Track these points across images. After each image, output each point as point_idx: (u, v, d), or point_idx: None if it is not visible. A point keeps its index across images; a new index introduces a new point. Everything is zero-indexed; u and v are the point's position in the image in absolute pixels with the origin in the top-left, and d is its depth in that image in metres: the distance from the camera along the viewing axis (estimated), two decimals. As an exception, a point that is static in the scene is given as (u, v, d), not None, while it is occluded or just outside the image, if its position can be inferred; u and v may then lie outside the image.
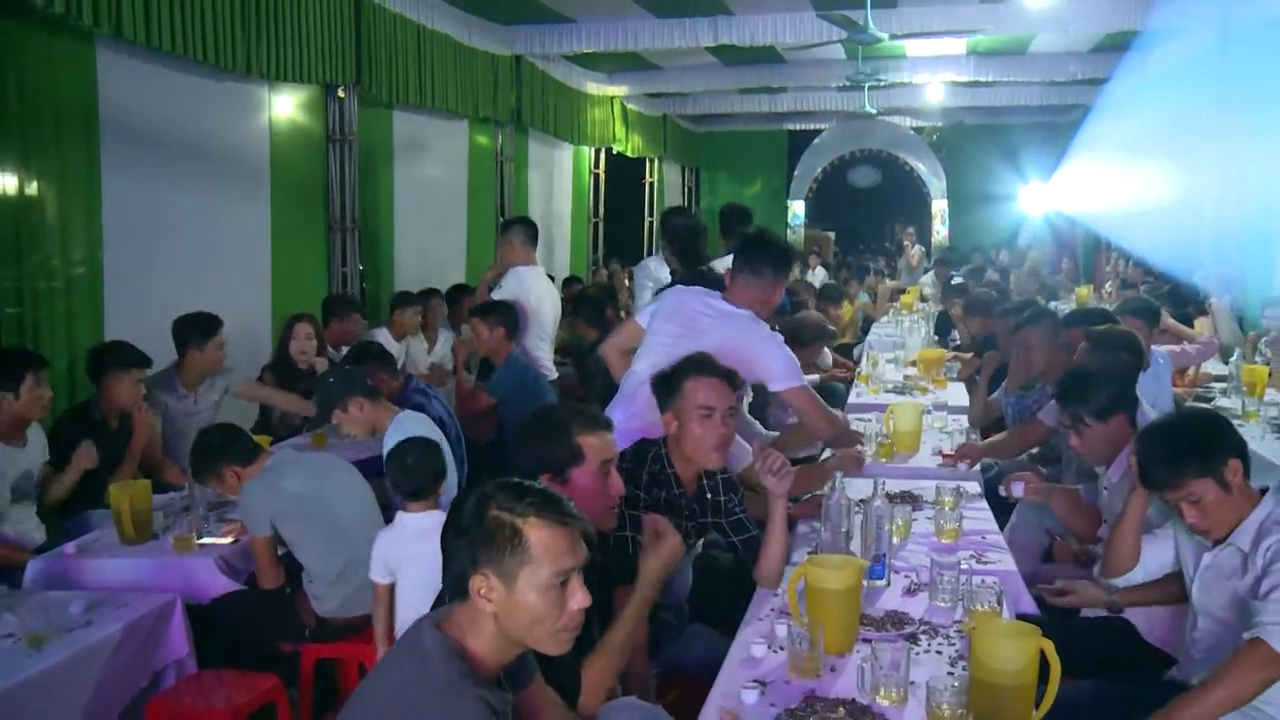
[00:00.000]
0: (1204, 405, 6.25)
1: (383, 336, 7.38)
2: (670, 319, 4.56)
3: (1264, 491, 3.09)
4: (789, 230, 18.69)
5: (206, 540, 4.38)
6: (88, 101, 5.88)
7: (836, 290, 9.68)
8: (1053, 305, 9.48)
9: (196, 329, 5.76)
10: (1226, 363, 7.45)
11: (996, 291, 9.49)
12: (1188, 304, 7.53)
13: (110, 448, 5.17)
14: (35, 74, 5.50)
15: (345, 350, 6.55)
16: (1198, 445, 3.07)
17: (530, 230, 7.44)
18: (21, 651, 3.30)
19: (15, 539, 4.64)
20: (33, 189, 5.57)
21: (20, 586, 4.05)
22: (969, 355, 8.06)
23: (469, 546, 2.14)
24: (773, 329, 4.66)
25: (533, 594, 2.13)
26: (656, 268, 7.07)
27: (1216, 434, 3.11)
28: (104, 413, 5.21)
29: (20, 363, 4.72)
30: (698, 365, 3.61)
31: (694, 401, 3.52)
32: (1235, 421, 5.93)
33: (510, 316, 6.54)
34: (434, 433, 4.88)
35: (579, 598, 2.17)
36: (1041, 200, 16.72)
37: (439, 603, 2.41)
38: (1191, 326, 7.71)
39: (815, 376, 7.74)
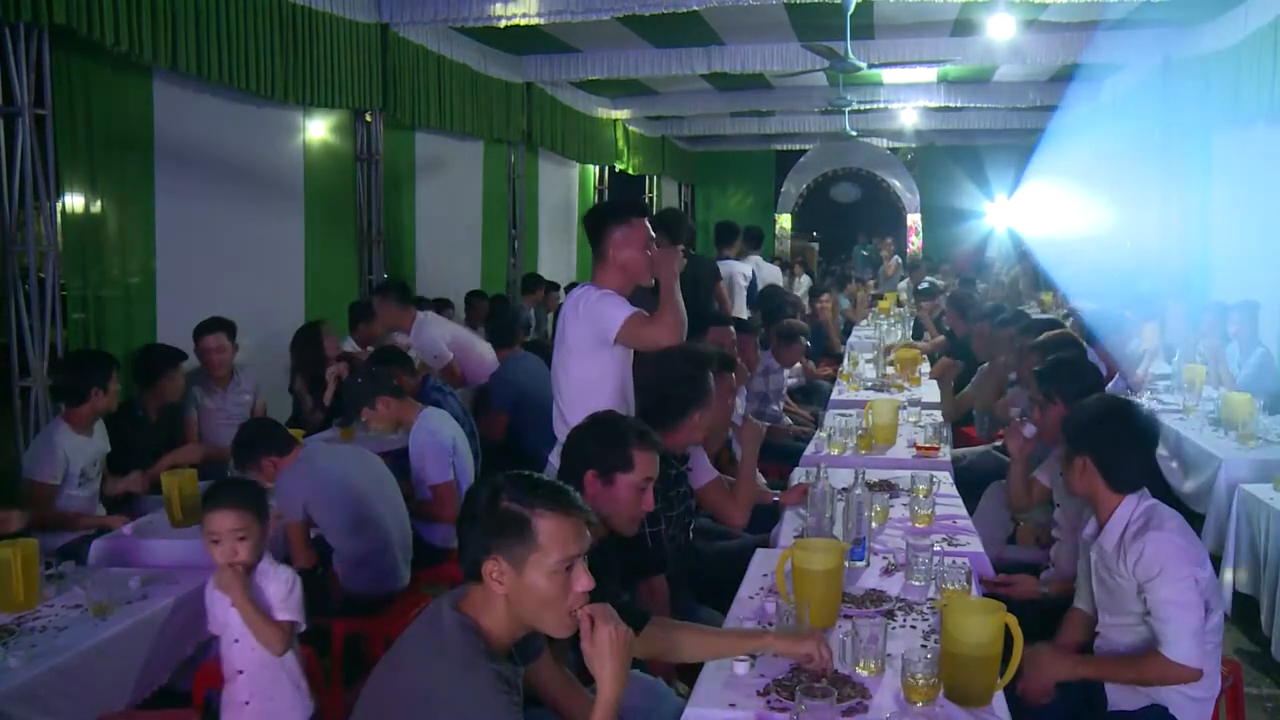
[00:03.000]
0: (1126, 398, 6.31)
1: (402, 339, 7.42)
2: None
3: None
4: (776, 241, 18.71)
5: (247, 524, 4.43)
6: (145, 128, 5.95)
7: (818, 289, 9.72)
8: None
9: (200, 331, 5.78)
10: (1169, 363, 7.52)
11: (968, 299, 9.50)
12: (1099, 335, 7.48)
13: (152, 441, 5.26)
14: (101, 104, 5.58)
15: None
16: (1069, 430, 3.24)
17: (403, 293, 7.12)
18: (89, 620, 3.37)
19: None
20: (96, 207, 5.65)
21: (86, 563, 4.10)
22: (945, 359, 8.12)
23: (482, 534, 2.16)
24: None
25: (540, 578, 2.15)
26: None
27: (1083, 427, 3.19)
28: (146, 408, 5.28)
29: (110, 362, 4.82)
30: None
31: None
32: (1176, 415, 6.03)
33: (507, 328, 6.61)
34: (455, 428, 4.96)
35: (583, 582, 2.18)
36: (1004, 216, 16.81)
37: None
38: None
39: (796, 366, 7.78)
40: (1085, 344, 5.87)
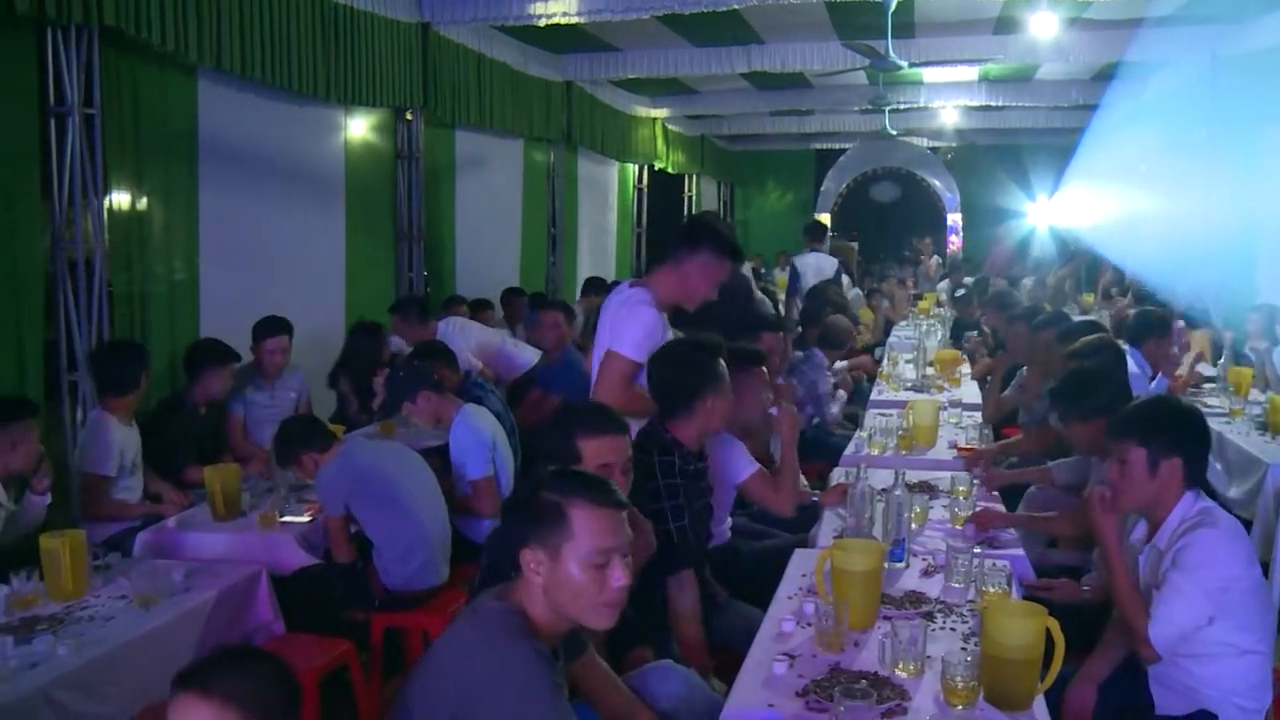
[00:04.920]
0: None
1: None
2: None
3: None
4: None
5: (288, 518, 4.45)
6: (189, 126, 6.02)
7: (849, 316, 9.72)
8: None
9: (258, 330, 5.83)
10: (1215, 364, 7.43)
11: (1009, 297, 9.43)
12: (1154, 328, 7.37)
13: (199, 433, 5.32)
14: (148, 103, 5.66)
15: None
16: (1162, 423, 3.09)
17: (421, 309, 7.12)
18: (134, 611, 3.41)
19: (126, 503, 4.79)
20: (142, 204, 5.72)
21: (131, 555, 4.16)
22: (985, 360, 8.08)
23: (521, 523, 2.21)
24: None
25: (575, 568, 2.18)
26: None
27: (1182, 425, 3.11)
28: (195, 402, 5.32)
29: (146, 352, 4.91)
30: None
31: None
32: (1222, 419, 5.95)
33: (573, 318, 6.59)
34: (495, 424, 4.97)
35: (618, 575, 2.20)
36: (1046, 215, 16.64)
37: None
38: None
39: (842, 364, 7.76)
40: (1129, 345, 5.81)
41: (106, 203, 5.37)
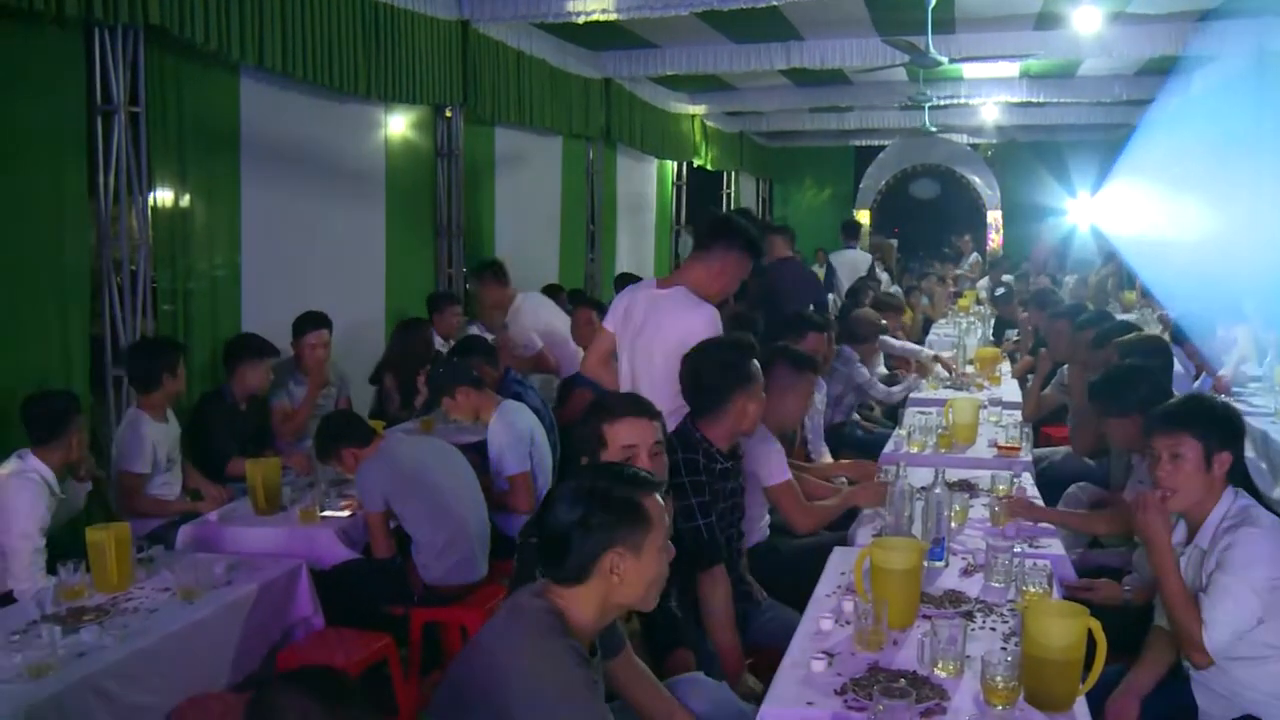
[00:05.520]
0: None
1: (479, 330, 7.49)
2: (623, 320, 4.30)
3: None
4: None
5: (328, 513, 4.50)
6: (232, 124, 6.08)
7: (896, 300, 9.64)
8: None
9: (300, 326, 5.90)
10: (1260, 365, 7.32)
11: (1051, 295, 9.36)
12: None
13: (239, 428, 5.37)
14: (191, 101, 5.72)
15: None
16: (1216, 417, 3.07)
17: (499, 272, 7.29)
18: (177, 603, 3.46)
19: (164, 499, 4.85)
20: (185, 201, 5.78)
21: (173, 548, 4.22)
22: (1026, 358, 8.03)
23: (601, 529, 2.20)
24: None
25: (653, 557, 2.25)
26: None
27: (1232, 421, 3.09)
28: (235, 397, 5.38)
29: (175, 349, 4.95)
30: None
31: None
32: (1267, 418, 5.88)
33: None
34: (533, 420, 4.99)
35: (670, 552, 2.30)
36: (1087, 214, 16.46)
37: None
38: None
39: (882, 370, 7.73)
40: (1173, 344, 5.74)
41: (151, 200, 5.43)
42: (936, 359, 7.74)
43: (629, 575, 2.22)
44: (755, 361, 3.73)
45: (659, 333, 4.10)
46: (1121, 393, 3.99)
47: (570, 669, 2.11)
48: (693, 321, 4.03)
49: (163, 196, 5.64)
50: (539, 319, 7.14)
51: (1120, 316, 7.38)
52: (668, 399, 3.95)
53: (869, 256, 12.56)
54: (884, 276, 14.11)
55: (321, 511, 4.48)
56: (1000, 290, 10.99)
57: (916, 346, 8.11)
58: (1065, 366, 6.22)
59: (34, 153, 4.80)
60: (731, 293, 4.23)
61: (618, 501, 2.22)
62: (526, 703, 2.09)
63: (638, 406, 3.11)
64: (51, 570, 3.68)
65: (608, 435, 3.02)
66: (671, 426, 3.99)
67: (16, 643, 3.01)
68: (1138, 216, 12.79)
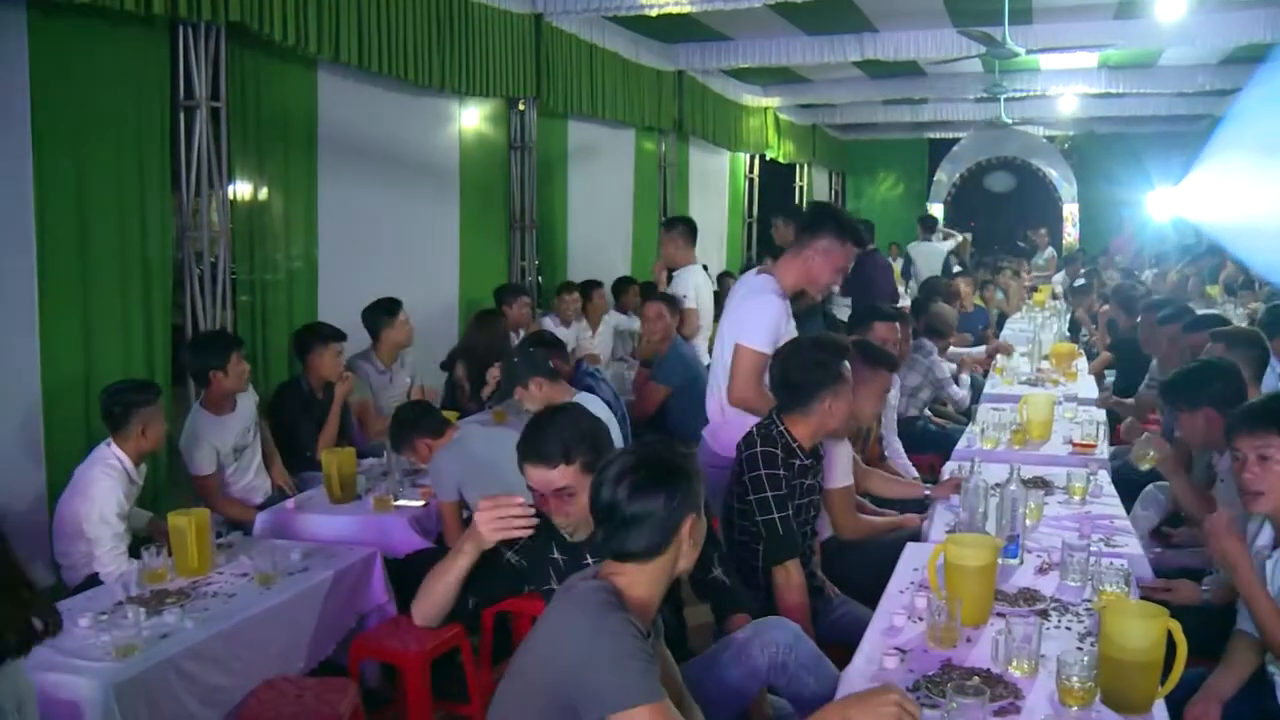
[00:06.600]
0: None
1: (550, 322, 7.53)
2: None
3: None
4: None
5: (402, 502, 4.53)
6: (309, 117, 6.17)
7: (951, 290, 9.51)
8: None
9: (382, 310, 5.94)
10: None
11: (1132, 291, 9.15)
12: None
13: (317, 416, 5.42)
14: (270, 96, 5.82)
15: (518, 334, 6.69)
16: None
17: (691, 229, 7.38)
18: (255, 588, 3.53)
19: (241, 498, 4.90)
20: (263, 194, 5.89)
21: (251, 535, 4.31)
22: (1104, 354, 7.97)
23: (682, 499, 2.25)
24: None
25: (704, 518, 2.34)
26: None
27: None
28: (311, 385, 5.44)
29: (226, 343, 4.93)
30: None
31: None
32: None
33: (677, 309, 6.63)
34: (606, 413, 5.00)
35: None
36: (1168, 207, 16.06)
37: None
38: None
39: (952, 366, 7.65)
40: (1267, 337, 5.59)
41: (230, 193, 5.53)
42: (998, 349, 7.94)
43: (695, 534, 2.30)
44: (846, 363, 3.72)
45: (725, 321, 4.26)
46: (1191, 388, 3.90)
47: (630, 640, 2.11)
48: (741, 313, 4.15)
49: (242, 190, 5.75)
50: (702, 297, 7.31)
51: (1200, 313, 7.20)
52: (720, 391, 4.16)
53: (943, 250, 12.49)
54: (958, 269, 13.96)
55: (395, 500, 4.52)
56: (1078, 283, 10.78)
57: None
58: (1155, 361, 6.09)
59: (119, 147, 4.90)
60: (835, 284, 4.24)
61: (681, 473, 2.28)
62: (587, 675, 2.09)
63: (537, 453, 2.94)
64: (134, 554, 3.78)
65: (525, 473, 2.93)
66: (720, 420, 4.17)
67: (105, 622, 3.10)
68: (1236, 206, 12.42)
